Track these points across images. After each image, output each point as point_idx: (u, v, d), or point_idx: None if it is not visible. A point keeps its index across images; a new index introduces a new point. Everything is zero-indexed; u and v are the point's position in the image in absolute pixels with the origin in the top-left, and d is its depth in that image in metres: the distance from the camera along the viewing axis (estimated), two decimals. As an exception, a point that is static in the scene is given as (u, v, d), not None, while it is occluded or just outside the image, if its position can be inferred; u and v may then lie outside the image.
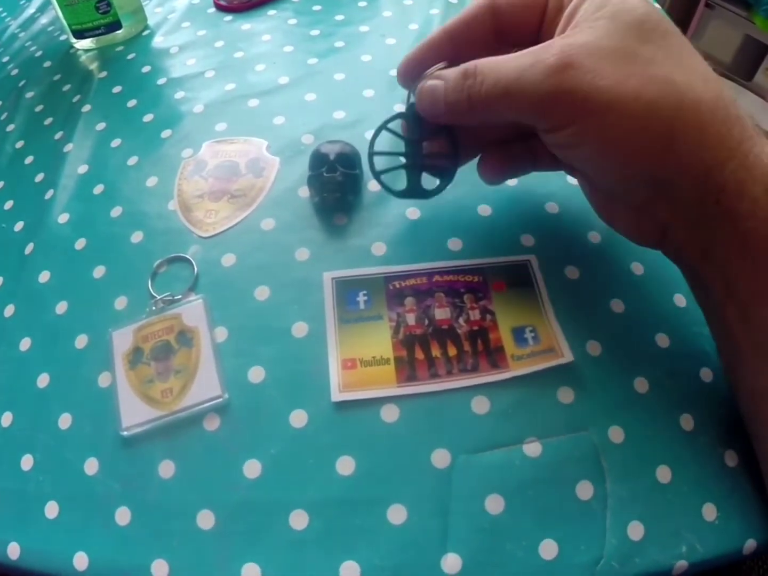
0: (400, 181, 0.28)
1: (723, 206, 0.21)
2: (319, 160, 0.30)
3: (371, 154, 0.27)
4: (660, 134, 0.20)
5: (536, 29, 0.24)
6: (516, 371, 0.25)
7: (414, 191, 0.28)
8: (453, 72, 0.24)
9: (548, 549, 0.22)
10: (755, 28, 1.16)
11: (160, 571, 0.23)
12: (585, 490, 0.23)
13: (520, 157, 0.28)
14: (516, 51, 0.23)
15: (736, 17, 1.18)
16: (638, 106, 0.20)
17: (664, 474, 0.24)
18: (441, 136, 0.27)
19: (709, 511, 0.23)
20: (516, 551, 0.22)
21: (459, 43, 0.25)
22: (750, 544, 0.23)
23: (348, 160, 0.30)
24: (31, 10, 0.48)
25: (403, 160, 0.28)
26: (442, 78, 0.24)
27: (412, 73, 0.26)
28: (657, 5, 0.24)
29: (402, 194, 0.28)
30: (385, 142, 0.27)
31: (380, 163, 0.28)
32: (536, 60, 0.21)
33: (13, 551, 0.24)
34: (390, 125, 0.27)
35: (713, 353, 0.26)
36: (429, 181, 0.28)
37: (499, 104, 0.22)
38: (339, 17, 0.41)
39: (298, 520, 0.23)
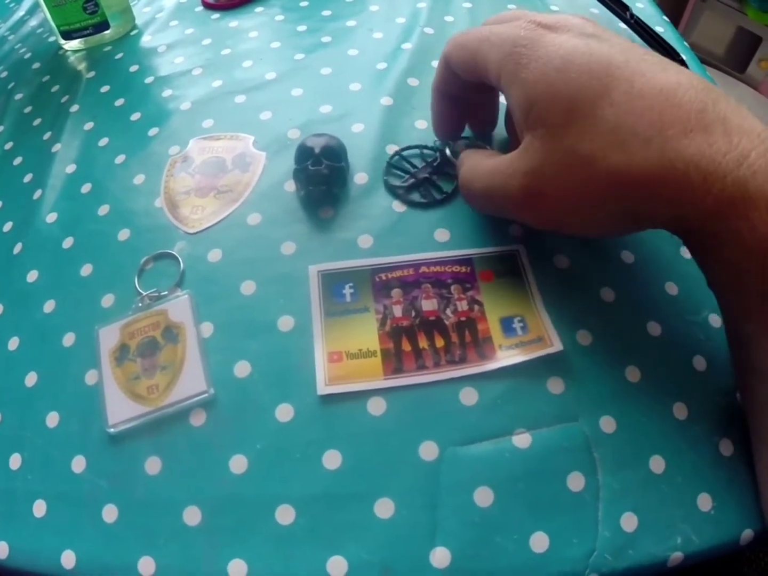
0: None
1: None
2: (304, 153, 0.30)
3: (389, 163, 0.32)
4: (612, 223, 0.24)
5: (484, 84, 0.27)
6: (504, 361, 0.25)
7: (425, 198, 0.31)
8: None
9: (539, 542, 0.22)
10: (748, 20, 1.15)
11: (146, 568, 0.22)
12: (576, 481, 0.23)
13: None
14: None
15: (729, 9, 1.17)
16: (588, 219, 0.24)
17: (657, 464, 0.23)
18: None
19: (705, 502, 0.23)
20: (506, 544, 0.22)
21: (449, 92, 0.30)
22: (747, 535, 0.22)
23: (333, 153, 0.30)
24: (20, 13, 0.48)
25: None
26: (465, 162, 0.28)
27: (442, 129, 0.31)
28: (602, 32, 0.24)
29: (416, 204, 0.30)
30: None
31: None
32: (507, 193, 0.25)
33: (2, 551, 0.24)
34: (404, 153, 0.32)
35: (706, 341, 0.26)
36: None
37: None
38: (326, 13, 0.41)
39: (285, 515, 0.23)
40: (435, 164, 0.31)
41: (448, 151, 0.31)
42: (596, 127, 0.22)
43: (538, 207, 0.24)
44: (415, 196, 0.30)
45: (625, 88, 0.21)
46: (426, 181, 0.31)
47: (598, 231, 0.25)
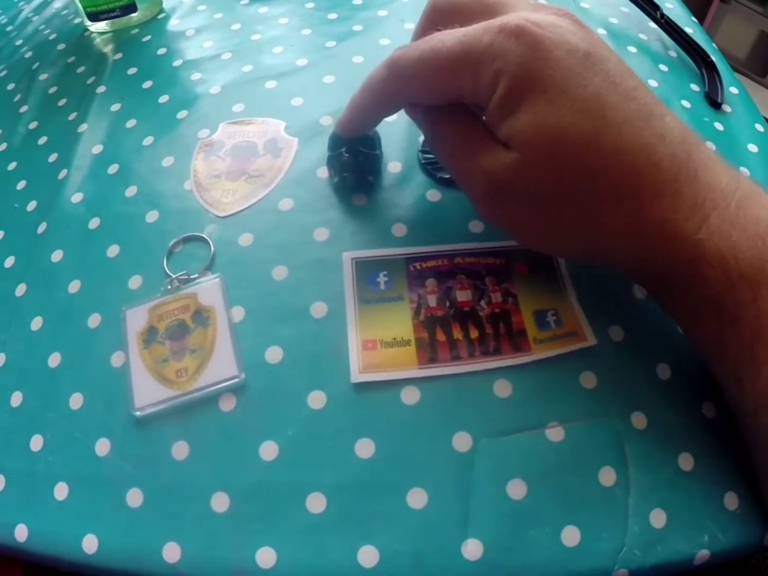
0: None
1: None
2: (339, 140, 0.29)
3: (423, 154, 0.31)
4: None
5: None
6: (538, 355, 0.24)
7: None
8: None
9: (571, 535, 0.22)
10: (770, 24, 1.15)
11: (171, 554, 0.22)
12: (608, 476, 0.23)
13: None
14: None
15: (752, 13, 1.17)
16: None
17: (686, 461, 0.23)
18: None
19: (731, 501, 0.23)
20: (538, 537, 0.22)
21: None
22: (771, 535, 0.22)
23: (368, 141, 0.29)
24: (44, -6, 0.48)
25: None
26: None
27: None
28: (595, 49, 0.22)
29: (446, 181, 0.30)
30: None
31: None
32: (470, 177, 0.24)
33: (21, 533, 0.23)
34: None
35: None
36: None
37: None
38: (357, 1, 0.41)
39: (316, 503, 0.22)
40: None
41: None
42: (576, 176, 0.21)
43: (497, 211, 0.24)
44: None
45: (612, 138, 0.21)
46: None
47: (555, 251, 0.26)
